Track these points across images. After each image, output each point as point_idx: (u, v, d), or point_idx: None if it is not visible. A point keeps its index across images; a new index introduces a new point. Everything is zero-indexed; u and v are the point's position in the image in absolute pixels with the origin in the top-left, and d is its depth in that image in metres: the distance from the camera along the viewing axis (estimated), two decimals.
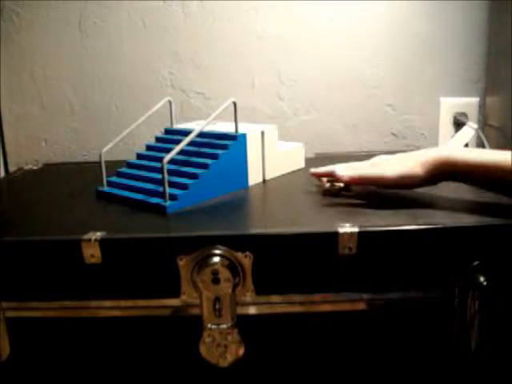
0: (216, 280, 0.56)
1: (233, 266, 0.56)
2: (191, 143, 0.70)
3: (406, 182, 0.63)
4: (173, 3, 1.01)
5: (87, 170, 0.93)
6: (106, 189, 0.74)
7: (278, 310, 0.59)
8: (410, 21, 1.01)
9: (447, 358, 0.59)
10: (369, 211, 0.62)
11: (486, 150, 0.62)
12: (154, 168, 0.73)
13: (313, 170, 0.73)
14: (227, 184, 0.72)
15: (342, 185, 0.71)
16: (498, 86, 0.98)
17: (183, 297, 0.58)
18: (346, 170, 0.66)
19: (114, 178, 0.76)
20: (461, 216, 0.59)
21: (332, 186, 0.71)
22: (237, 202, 0.69)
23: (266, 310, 0.59)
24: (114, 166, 0.76)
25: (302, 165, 0.86)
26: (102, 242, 0.56)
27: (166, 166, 0.64)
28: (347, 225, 0.56)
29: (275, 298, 0.58)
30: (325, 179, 0.73)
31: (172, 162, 0.70)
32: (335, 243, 0.56)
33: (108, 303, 0.59)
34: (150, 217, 0.64)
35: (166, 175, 0.65)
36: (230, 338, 0.58)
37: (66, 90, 1.05)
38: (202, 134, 0.74)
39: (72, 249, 0.56)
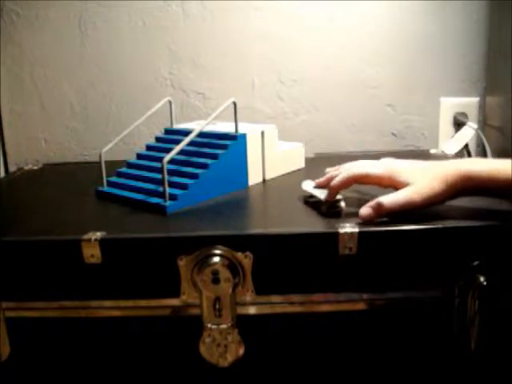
0: (216, 280, 0.56)
1: (233, 266, 0.56)
2: (191, 143, 0.70)
3: (430, 203, 0.58)
4: (173, 3, 1.01)
5: (87, 170, 0.93)
6: (105, 189, 0.74)
7: (278, 310, 0.59)
8: (410, 21, 1.01)
9: (447, 358, 0.59)
10: None
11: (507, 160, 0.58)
12: (154, 168, 0.73)
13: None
14: (227, 184, 0.72)
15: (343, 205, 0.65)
16: (498, 86, 0.98)
17: (183, 297, 0.58)
18: (366, 209, 0.58)
19: (114, 178, 0.76)
20: (461, 216, 0.59)
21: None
22: (237, 202, 0.69)
23: (266, 310, 0.59)
24: (113, 166, 0.76)
25: (302, 165, 0.86)
26: (102, 242, 0.56)
27: (166, 166, 0.64)
28: (347, 225, 0.56)
29: (275, 298, 0.58)
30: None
31: (172, 161, 0.70)
32: (335, 243, 0.56)
33: (108, 303, 0.59)
34: (150, 217, 0.64)
35: (166, 175, 0.65)
36: (229, 337, 0.58)
37: (66, 90, 1.05)
38: (202, 134, 0.74)
39: (72, 249, 0.56)
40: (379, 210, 0.57)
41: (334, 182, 0.63)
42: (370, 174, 0.62)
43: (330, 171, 0.69)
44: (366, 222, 0.57)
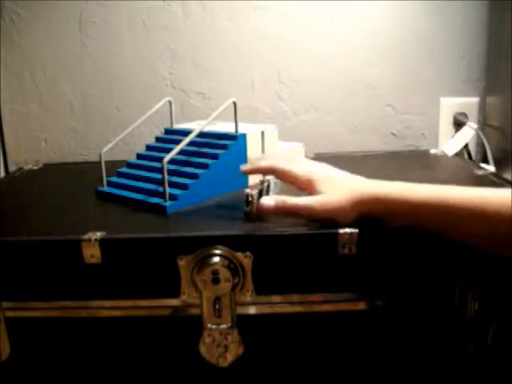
0: (216, 280, 0.56)
1: (233, 266, 0.56)
2: (191, 143, 0.70)
3: (333, 219, 0.56)
4: (173, 3, 1.01)
5: (87, 170, 0.93)
6: (106, 189, 0.74)
7: (278, 310, 0.59)
8: (410, 21, 1.01)
9: (447, 358, 0.59)
10: None
11: (440, 187, 0.54)
12: (154, 168, 0.73)
13: (244, 167, 0.64)
14: (227, 184, 0.72)
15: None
16: (498, 86, 0.98)
17: (183, 297, 0.58)
18: (269, 200, 0.58)
19: (114, 178, 0.76)
20: None
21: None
22: (237, 202, 0.69)
23: (266, 309, 0.59)
24: (114, 166, 0.76)
25: None
26: (102, 242, 0.56)
27: (166, 166, 0.64)
28: (347, 225, 0.56)
29: (275, 298, 0.58)
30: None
31: (172, 161, 0.70)
32: (335, 243, 0.56)
33: (108, 303, 0.59)
34: (150, 217, 0.64)
35: (166, 175, 0.65)
36: (229, 337, 0.58)
37: (66, 90, 1.05)
38: (201, 134, 0.73)
39: (72, 249, 0.56)
40: (280, 205, 0.58)
41: (256, 164, 0.63)
42: (291, 172, 0.61)
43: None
44: (264, 212, 0.58)
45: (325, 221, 0.57)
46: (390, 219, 0.56)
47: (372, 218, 0.56)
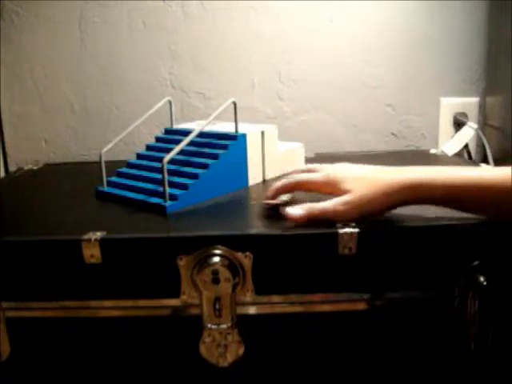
0: (216, 280, 0.56)
1: (233, 266, 0.56)
2: (191, 143, 0.70)
3: (365, 213, 0.56)
4: (173, 3, 1.01)
5: (87, 170, 0.93)
6: (106, 189, 0.74)
7: (278, 310, 0.59)
8: (410, 21, 1.01)
9: (447, 358, 0.59)
10: None
11: (467, 168, 0.56)
12: (154, 168, 0.73)
13: (267, 198, 0.65)
14: (227, 184, 0.72)
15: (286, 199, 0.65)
16: (498, 86, 0.98)
17: (183, 297, 0.58)
18: (297, 210, 0.58)
19: (114, 178, 0.76)
20: (461, 215, 0.59)
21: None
22: (237, 202, 0.69)
23: (266, 309, 0.59)
24: (113, 166, 0.76)
25: (302, 165, 0.86)
26: (102, 242, 0.56)
27: (166, 166, 0.64)
28: (347, 225, 0.56)
29: (275, 298, 0.58)
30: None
31: (172, 161, 0.70)
32: (335, 243, 0.56)
33: (108, 303, 0.59)
34: (150, 217, 0.64)
35: (166, 175, 0.65)
36: (229, 337, 0.58)
37: (66, 90, 1.05)
38: (202, 134, 0.74)
39: (72, 249, 0.56)
40: (310, 212, 0.57)
41: (274, 185, 0.64)
42: (308, 181, 0.62)
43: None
44: (294, 222, 0.58)
45: (357, 219, 0.56)
46: (423, 203, 0.56)
47: (409, 203, 0.56)
